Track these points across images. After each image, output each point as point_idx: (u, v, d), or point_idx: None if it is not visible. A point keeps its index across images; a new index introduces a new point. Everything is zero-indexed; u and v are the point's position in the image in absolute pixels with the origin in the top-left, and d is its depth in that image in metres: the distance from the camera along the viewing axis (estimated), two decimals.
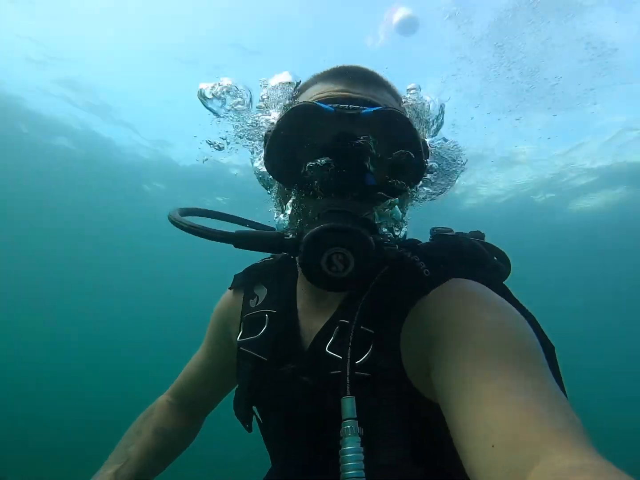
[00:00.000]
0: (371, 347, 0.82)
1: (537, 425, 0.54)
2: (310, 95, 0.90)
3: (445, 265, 0.88)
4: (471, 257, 0.94)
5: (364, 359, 0.81)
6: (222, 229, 0.87)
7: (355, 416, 0.73)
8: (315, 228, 0.75)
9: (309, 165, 0.83)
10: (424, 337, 0.79)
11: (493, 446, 0.54)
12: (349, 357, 0.78)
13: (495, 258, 1.03)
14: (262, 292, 1.08)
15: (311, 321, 0.96)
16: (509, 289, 0.91)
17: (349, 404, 0.74)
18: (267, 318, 1.00)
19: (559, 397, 0.61)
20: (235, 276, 1.19)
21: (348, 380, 0.76)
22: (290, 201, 0.89)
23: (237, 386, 1.10)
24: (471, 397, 0.63)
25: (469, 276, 0.85)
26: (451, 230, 1.03)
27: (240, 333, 1.06)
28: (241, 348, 1.04)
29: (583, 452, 0.50)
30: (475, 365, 0.66)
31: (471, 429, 0.60)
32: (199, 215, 1.05)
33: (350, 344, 0.80)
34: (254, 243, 0.85)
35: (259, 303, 1.06)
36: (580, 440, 0.52)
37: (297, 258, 0.98)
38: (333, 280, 0.77)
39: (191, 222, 0.90)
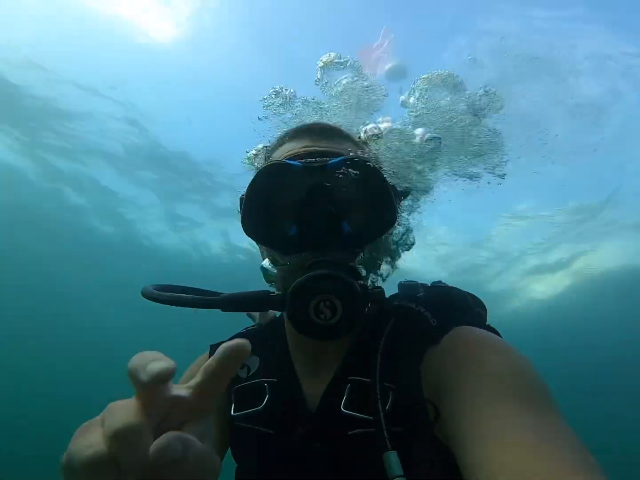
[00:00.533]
0: (391, 400, 0.80)
1: (549, 464, 0.53)
2: (279, 156, 0.93)
3: (447, 314, 0.89)
4: (462, 305, 0.98)
5: (386, 413, 0.79)
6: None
7: (402, 473, 0.69)
8: (299, 279, 0.76)
9: (285, 222, 0.86)
10: (437, 383, 0.78)
11: None
12: (381, 410, 0.77)
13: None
14: (253, 362, 1.02)
15: (312, 383, 0.92)
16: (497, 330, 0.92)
17: (394, 459, 0.71)
18: (267, 388, 0.93)
19: (571, 435, 0.60)
20: (213, 347, 1.10)
21: (386, 434, 0.74)
22: (273, 261, 0.90)
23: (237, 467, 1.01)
24: (483, 437, 0.61)
25: (469, 323, 0.87)
26: (417, 283, 1.07)
27: (233, 407, 0.96)
28: (236, 423, 0.95)
29: None
30: (486, 405, 0.65)
31: (483, 469, 0.58)
32: (173, 292, 0.96)
33: (379, 397, 0.79)
34: (241, 304, 0.85)
35: (252, 373, 0.99)
36: (594, 477, 0.51)
37: (285, 315, 0.94)
38: (323, 328, 0.77)
39: (173, 294, 0.87)
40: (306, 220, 0.83)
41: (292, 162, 0.86)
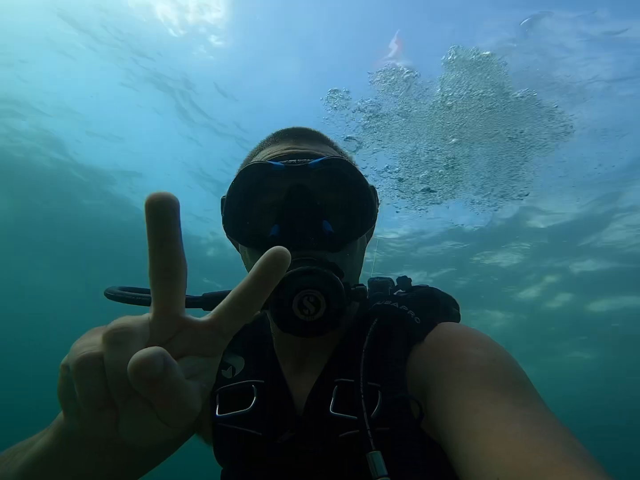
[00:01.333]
0: (380, 401, 0.79)
1: (540, 454, 0.52)
2: (260, 159, 0.94)
3: (430, 313, 0.90)
4: (444, 305, 1.00)
5: (375, 414, 0.78)
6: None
7: (386, 473, 0.68)
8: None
9: (266, 223, 0.87)
10: (422, 380, 0.78)
11: (498, 479, 0.52)
12: (364, 410, 0.76)
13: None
14: (238, 362, 0.99)
15: (298, 385, 0.91)
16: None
17: (378, 460, 0.70)
18: (255, 389, 0.92)
19: (559, 426, 0.59)
20: None
21: (370, 434, 0.73)
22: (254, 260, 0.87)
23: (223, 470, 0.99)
24: (473, 431, 0.61)
25: (451, 320, 0.90)
26: (387, 279, 1.09)
27: (218, 408, 0.93)
28: (221, 425, 0.93)
29: (591, 476, 0.48)
30: (473, 400, 0.65)
31: (475, 464, 0.57)
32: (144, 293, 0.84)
33: (362, 397, 0.77)
34: None
35: (237, 374, 0.97)
36: (586, 465, 0.50)
37: (269, 313, 0.91)
38: (307, 324, 0.77)
39: (145, 295, 0.80)
40: (287, 220, 0.84)
41: (273, 162, 0.87)
